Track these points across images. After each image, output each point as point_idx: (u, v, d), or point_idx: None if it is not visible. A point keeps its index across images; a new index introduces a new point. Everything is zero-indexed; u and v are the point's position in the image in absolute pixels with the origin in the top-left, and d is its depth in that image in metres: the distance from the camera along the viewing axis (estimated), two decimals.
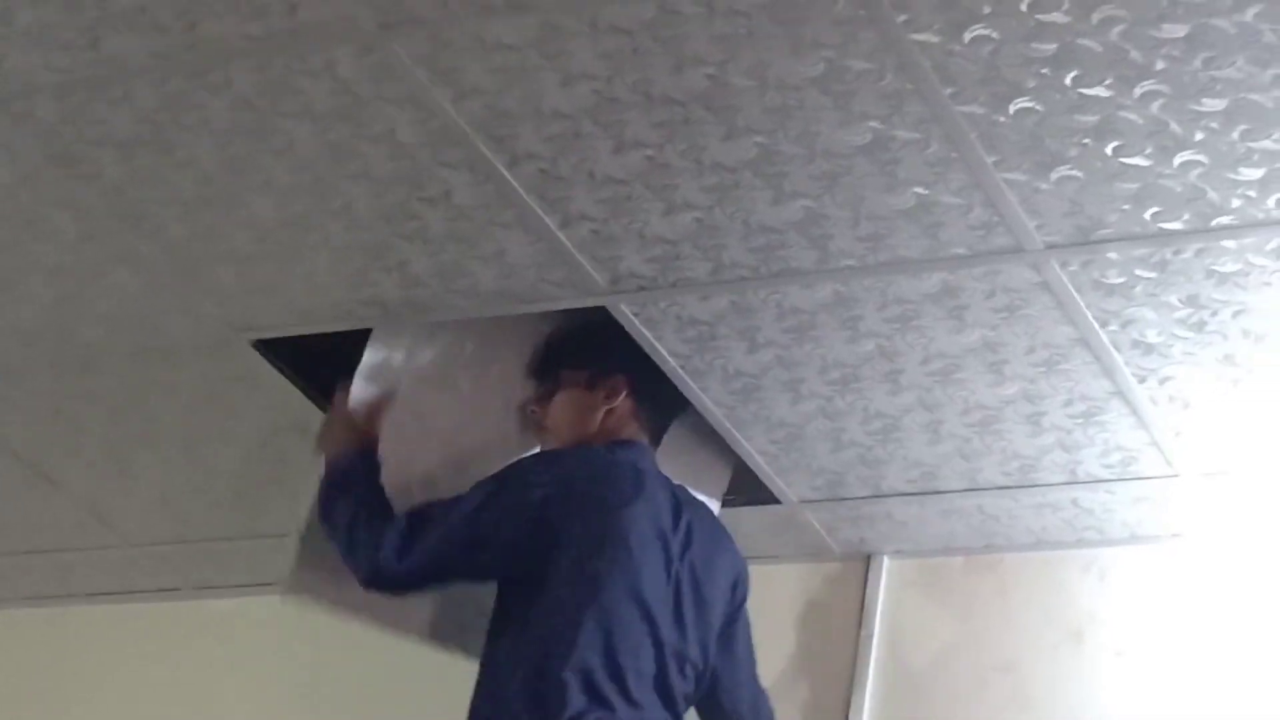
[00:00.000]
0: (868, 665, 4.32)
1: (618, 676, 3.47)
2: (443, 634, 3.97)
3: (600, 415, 3.81)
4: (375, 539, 3.65)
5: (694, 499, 3.85)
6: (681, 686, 3.60)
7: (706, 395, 3.94)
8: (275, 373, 4.11)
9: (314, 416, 4.21)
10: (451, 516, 3.64)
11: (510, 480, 3.67)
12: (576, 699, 3.41)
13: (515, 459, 3.77)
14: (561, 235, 3.55)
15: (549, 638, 3.48)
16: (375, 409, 3.85)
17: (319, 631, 4.94)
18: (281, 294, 3.84)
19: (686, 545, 3.68)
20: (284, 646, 4.99)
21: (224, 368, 4.12)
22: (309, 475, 4.44)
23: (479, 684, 3.60)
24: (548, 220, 3.51)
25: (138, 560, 4.99)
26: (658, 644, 3.55)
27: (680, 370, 3.88)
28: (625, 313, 3.74)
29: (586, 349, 3.88)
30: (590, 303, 3.73)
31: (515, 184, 3.43)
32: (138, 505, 4.75)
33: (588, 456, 3.73)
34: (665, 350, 3.83)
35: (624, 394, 3.83)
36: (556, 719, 3.40)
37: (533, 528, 3.58)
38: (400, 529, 3.64)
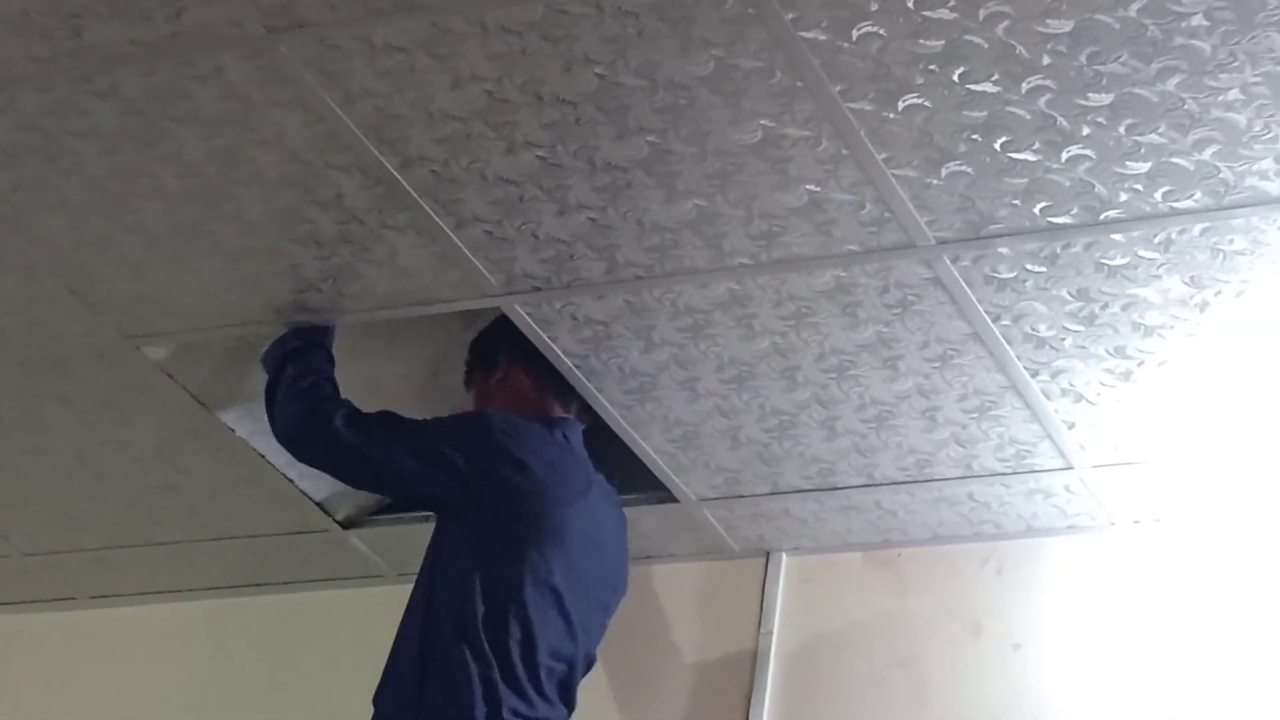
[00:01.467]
0: (767, 662, 4.33)
1: (533, 671, 3.62)
2: None
3: (497, 397, 3.91)
4: (326, 401, 3.72)
5: (610, 489, 3.96)
6: (579, 678, 3.77)
7: (603, 395, 3.94)
8: (168, 379, 4.07)
9: (208, 423, 4.19)
10: (411, 424, 3.74)
11: (471, 426, 3.77)
12: (501, 686, 3.57)
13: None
14: (455, 237, 3.54)
15: (469, 614, 3.60)
16: None
17: (218, 639, 4.93)
18: (173, 300, 3.81)
19: (604, 544, 3.81)
20: (183, 655, 4.95)
21: (115, 375, 4.09)
22: (205, 482, 4.44)
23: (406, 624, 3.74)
24: (440, 222, 3.50)
25: (32, 570, 4.94)
26: (572, 639, 3.70)
27: (576, 370, 3.88)
28: (520, 313, 3.73)
29: (482, 350, 3.97)
30: (485, 304, 3.73)
31: (407, 186, 3.42)
32: (31, 515, 4.70)
33: (544, 438, 3.82)
34: (560, 350, 3.82)
35: (514, 372, 3.93)
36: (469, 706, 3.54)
37: (477, 477, 3.68)
38: (354, 408, 3.74)
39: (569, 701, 3.74)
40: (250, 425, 4.21)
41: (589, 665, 3.83)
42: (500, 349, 3.92)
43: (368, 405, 3.80)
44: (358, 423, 3.72)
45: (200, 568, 4.82)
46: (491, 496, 3.70)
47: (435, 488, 3.72)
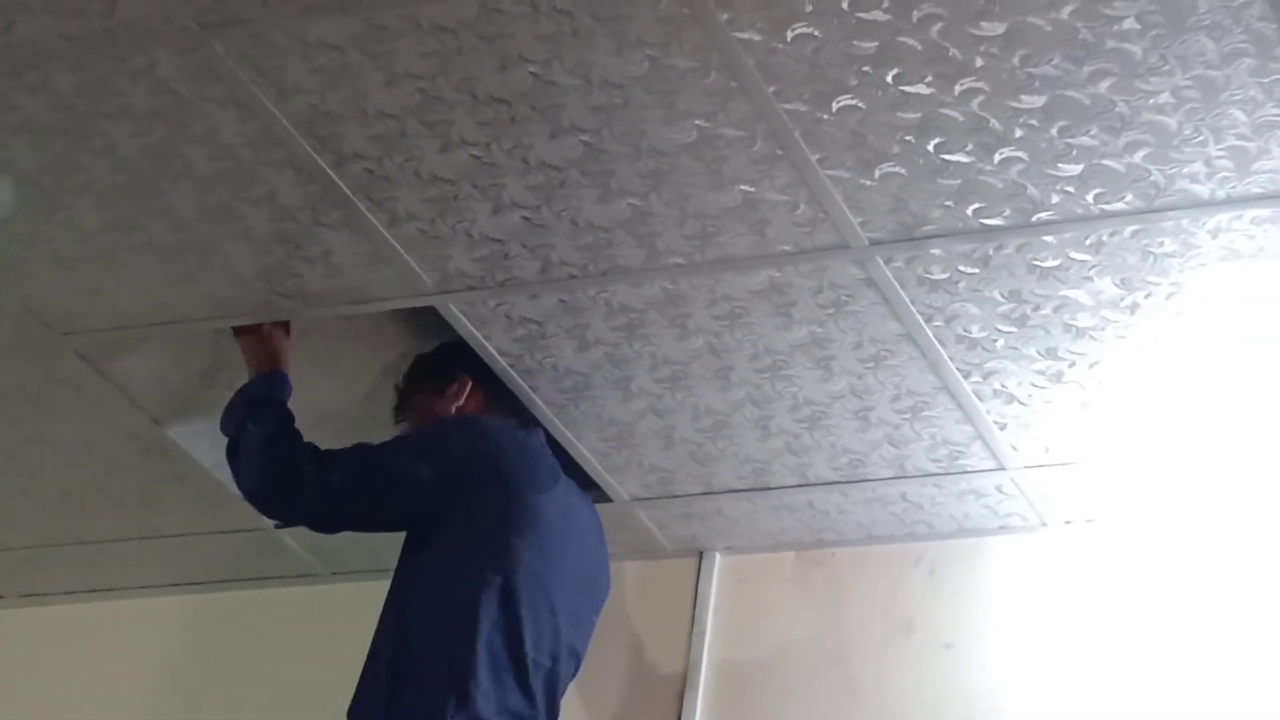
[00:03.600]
0: (700, 661, 4.33)
1: (520, 663, 3.60)
2: None
3: (453, 410, 3.90)
4: (291, 455, 3.69)
5: (582, 491, 3.99)
6: (566, 678, 3.75)
7: (537, 394, 3.94)
8: (98, 375, 4.05)
9: (138, 420, 4.17)
10: (370, 451, 3.72)
11: (432, 435, 3.77)
12: (481, 682, 3.54)
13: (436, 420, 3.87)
14: (389, 235, 3.53)
15: (453, 610, 3.58)
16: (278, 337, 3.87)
17: (149, 638, 4.90)
18: (105, 296, 3.79)
19: (583, 538, 3.84)
20: (113, 655, 4.93)
21: (46, 371, 4.06)
22: (136, 480, 4.41)
23: (382, 626, 3.68)
24: (374, 220, 3.49)
25: None
26: (556, 631, 3.67)
27: (510, 369, 3.87)
28: (454, 312, 3.73)
29: (430, 368, 3.96)
30: (419, 303, 3.72)
31: (341, 184, 3.41)
32: None
33: (508, 431, 3.82)
34: (495, 349, 3.82)
35: (469, 387, 3.91)
36: (466, 701, 3.52)
37: (447, 484, 3.68)
38: (317, 452, 3.71)
39: (553, 706, 3.69)
40: (181, 423, 4.19)
41: (577, 664, 3.79)
42: (454, 366, 3.90)
43: (317, 405, 3.79)
44: (324, 469, 3.69)
45: (130, 566, 4.80)
46: (463, 495, 3.68)
47: (407, 507, 3.71)
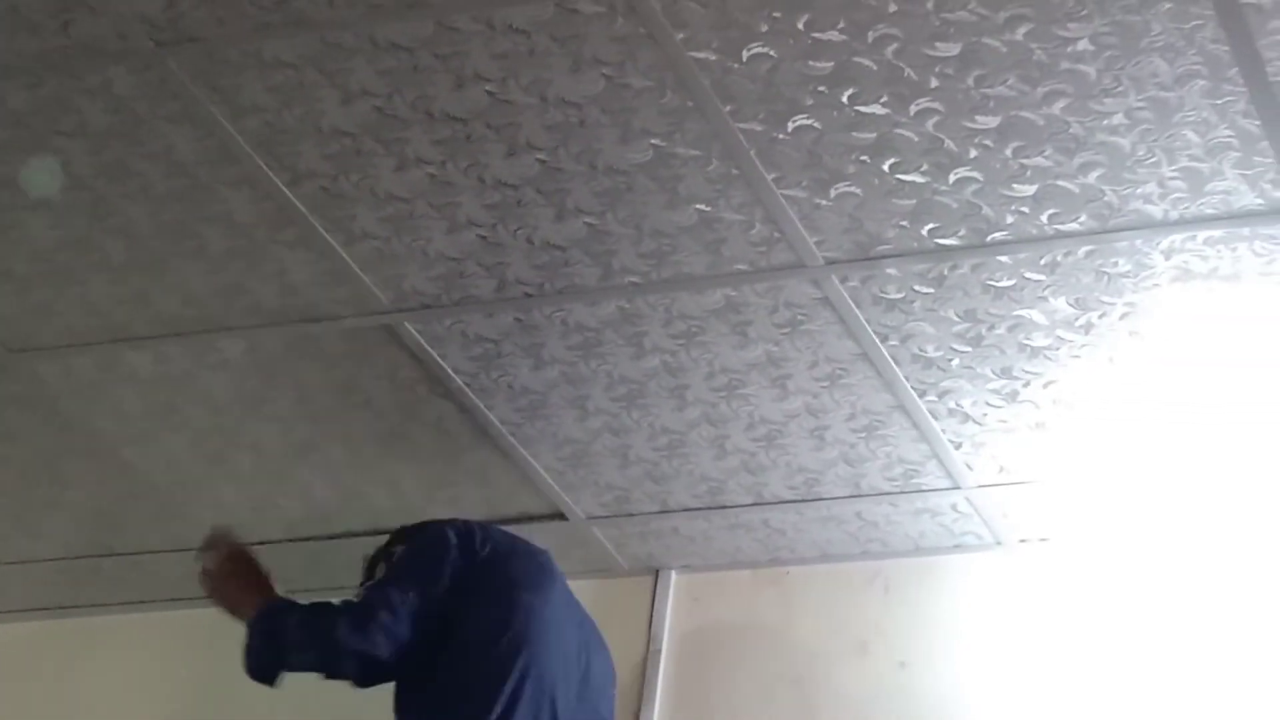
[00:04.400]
0: (656, 679, 4.33)
1: None
2: None
3: None
4: (360, 621, 3.58)
5: (579, 605, 3.89)
6: None
7: (492, 413, 3.94)
8: (53, 393, 4.03)
9: (93, 438, 4.14)
10: (409, 580, 3.61)
11: (431, 538, 3.69)
12: None
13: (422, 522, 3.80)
14: (344, 253, 3.52)
15: (464, 701, 3.56)
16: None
17: (105, 656, 4.88)
18: (59, 314, 3.78)
19: (579, 628, 3.79)
20: (70, 672, 4.90)
21: (1, 389, 4.04)
22: (90, 498, 4.39)
23: None
24: (330, 238, 3.49)
25: None
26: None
27: (466, 388, 3.87)
28: (410, 330, 3.72)
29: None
30: (374, 321, 3.71)
31: (297, 202, 3.41)
32: None
33: (498, 530, 3.79)
34: (450, 368, 3.81)
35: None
36: None
37: (457, 582, 3.63)
38: (368, 606, 3.59)
39: None
40: (135, 442, 4.17)
41: None
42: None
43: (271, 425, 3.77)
44: (394, 615, 3.58)
45: (86, 585, 4.77)
46: (471, 591, 3.64)
47: (426, 623, 3.61)
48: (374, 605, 3.58)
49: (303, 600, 3.70)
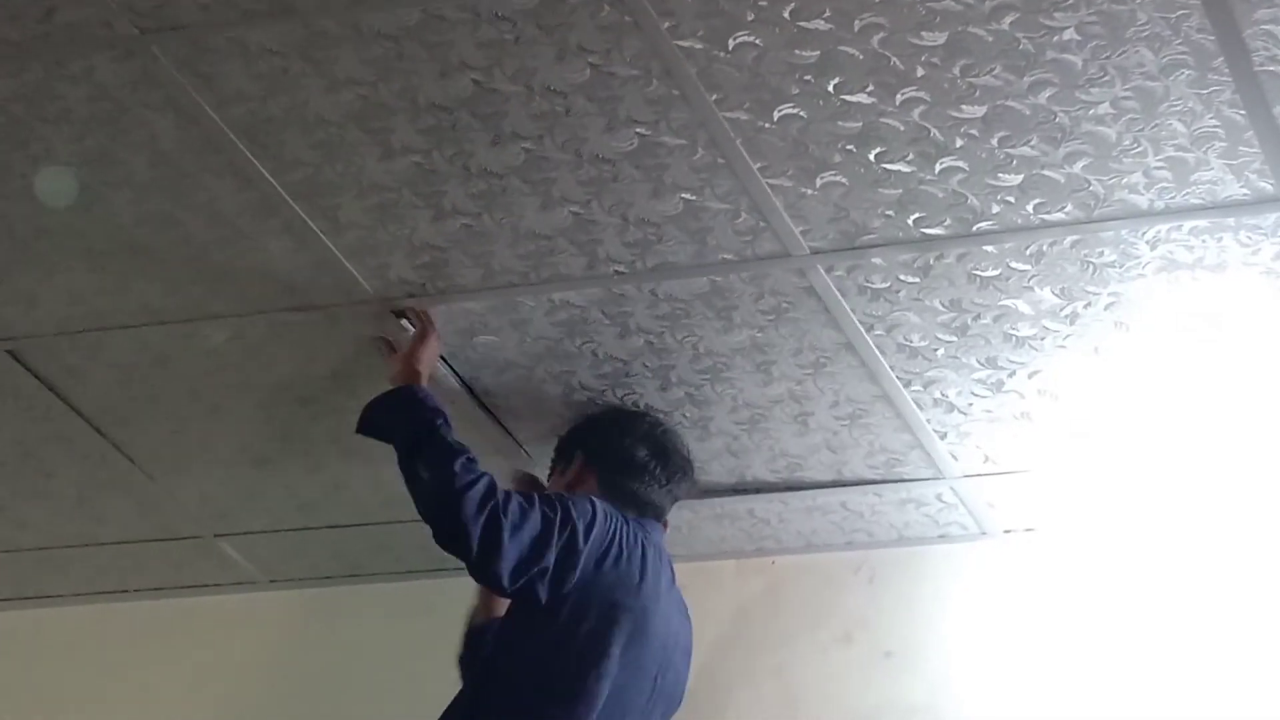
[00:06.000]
0: None
1: None
2: None
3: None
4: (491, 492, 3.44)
5: (683, 601, 3.82)
6: None
7: (481, 398, 3.93)
8: (34, 381, 4.02)
9: (76, 426, 4.14)
10: (561, 512, 3.50)
11: (584, 504, 3.57)
12: None
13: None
14: (329, 242, 3.52)
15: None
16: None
17: (87, 646, 4.88)
18: (41, 303, 3.77)
19: (670, 653, 3.69)
20: (51, 662, 4.90)
21: None
22: (73, 486, 4.38)
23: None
24: (315, 227, 3.48)
25: None
26: None
27: (453, 373, 3.87)
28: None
29: (562, 449, 3.89)
30: (360, 310, 3.71)
31: (281, 191, 3.40)
32: None
33: (631, 527, 3.66)
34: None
35: (579, 463, 3.79)
36: None
37: (589, 558, 3.53)
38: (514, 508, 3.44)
39: None
40: (121, 429, 4.16)
41: None
42: (577, 449, 3.83)
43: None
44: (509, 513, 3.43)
45: (68, 573, 4.77)
46: (587, 581, 3.53)
47: (561, 562, 3.48)
48: (518, 515, 3.42)
49: None
